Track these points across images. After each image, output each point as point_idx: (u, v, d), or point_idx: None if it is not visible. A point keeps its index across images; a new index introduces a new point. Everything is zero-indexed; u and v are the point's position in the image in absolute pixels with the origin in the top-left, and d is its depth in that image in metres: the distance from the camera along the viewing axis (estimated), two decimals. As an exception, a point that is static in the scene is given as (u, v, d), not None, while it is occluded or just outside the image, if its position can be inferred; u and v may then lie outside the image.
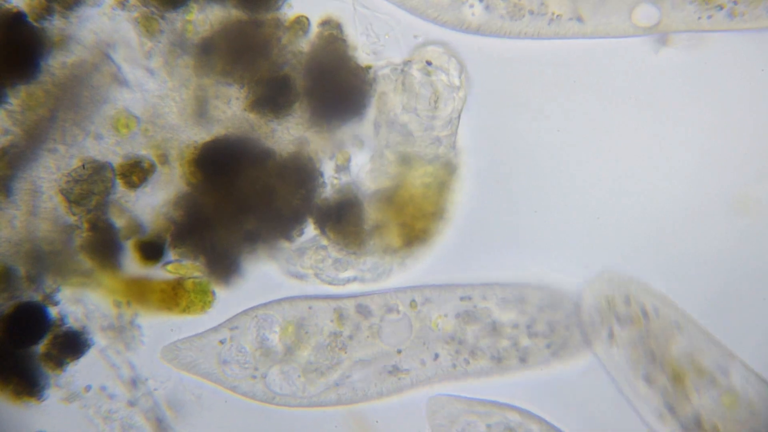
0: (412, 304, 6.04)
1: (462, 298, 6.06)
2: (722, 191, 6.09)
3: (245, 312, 6.02)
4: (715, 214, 6.10)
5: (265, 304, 6.02)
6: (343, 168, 5.97)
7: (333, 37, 5.90)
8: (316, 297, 6.06)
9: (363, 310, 6.05)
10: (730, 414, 5.84)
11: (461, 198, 6.05)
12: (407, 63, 5.95)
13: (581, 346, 6.06)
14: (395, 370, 6.05)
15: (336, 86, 5.92)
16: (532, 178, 6.12)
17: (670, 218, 6.11)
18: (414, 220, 5.98)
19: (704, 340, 5.95)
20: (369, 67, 5.95)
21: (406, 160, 5.96)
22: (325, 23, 5.92)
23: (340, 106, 5.93)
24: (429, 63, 5.93)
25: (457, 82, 5.96)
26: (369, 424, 6.12)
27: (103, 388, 6.01)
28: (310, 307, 6.01)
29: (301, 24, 5.89)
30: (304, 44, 5.91)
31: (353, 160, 6.01)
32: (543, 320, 6.07)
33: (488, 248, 6.12)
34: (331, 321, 6.01)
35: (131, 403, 6.01)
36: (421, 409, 6.10)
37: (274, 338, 6.02)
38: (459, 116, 5.98)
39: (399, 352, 6.03)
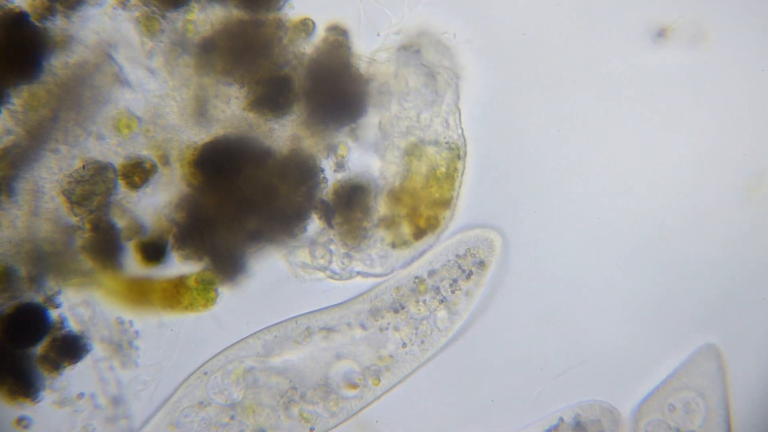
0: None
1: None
2: (722, 191, 6.11)
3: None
4: (715, 214, 6.11)
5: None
6: (342, 163, 5.98)
7: (338, 44, 5.90)
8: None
9: None
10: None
11: (466, 191, 6.07)
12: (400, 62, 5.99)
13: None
14: None
15: (336, 91, 5.93)
16: (531, 179, 6.13)
17: (670, 218, 6.13)
18: (423, 208, 5.98)
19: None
20: (370, 76, 5.97)
21: (415, 150, 5.97)
22: (332, 29, 5.92)
23: (338, 111, 5.94)
24: (418, 51, 5.97)
25: (443, 60, 5.99)
26: (369, 424, 6.12)
27: (92, 396, 6.00)
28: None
29: (305, 26, 5.89)
30: (308, 46, 5.91)
31: (352, 153, 6.02)
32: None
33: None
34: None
35: (109, 420, 6.00)
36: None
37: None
38: (457, 89, 6.00)
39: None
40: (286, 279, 6.05)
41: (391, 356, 6.06)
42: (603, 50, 6.08)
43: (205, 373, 6.01)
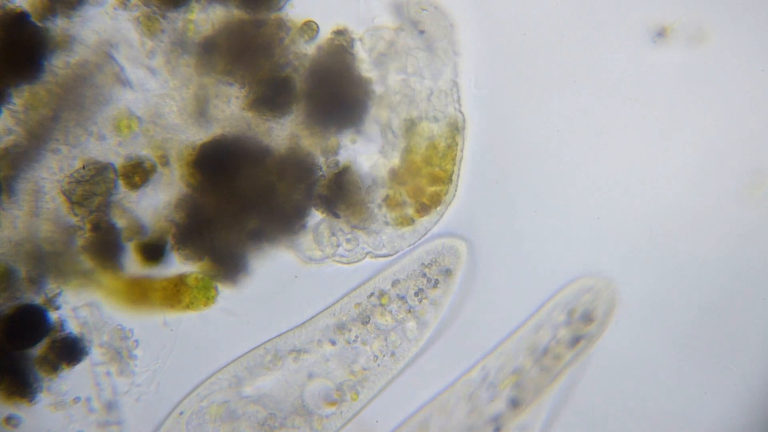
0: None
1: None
2: (722, 191, 6.11)
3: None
4: (715, 215, 6.12)
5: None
6: (336, 161, 5.98)
7: (341, 48, 5.89)
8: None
9: None
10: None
11: (464, 193, 6.07)
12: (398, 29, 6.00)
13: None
14: None
15: (337, 95, 5.93)
16: (532, 179, 6.13)
17: (670, 218, 6.13)
18: (426, 184, 5.98)
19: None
20: (372, 80, 5.97)
21: (413, 126, 5.96)
22: (338, 33, 5.91)
23: (339, 114, 5.94)
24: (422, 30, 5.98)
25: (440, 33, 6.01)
26: (369, 424, 6.12)
27: (88, 400, 5.99)
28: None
29: (309, 28, 5.88)
30: (310, 48, 5.91)
31: (349, 146, 6.03)
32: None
33: (488, 249, 6.13)
34: None
35: (100, 425, 6.00)
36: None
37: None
38: (455, 66, 6.00)
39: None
40: (287, 278, 6.06)
41: (364, 369, 6.04)
42: (603, 50, 6.08)
43: (181, 413, 5.98)
